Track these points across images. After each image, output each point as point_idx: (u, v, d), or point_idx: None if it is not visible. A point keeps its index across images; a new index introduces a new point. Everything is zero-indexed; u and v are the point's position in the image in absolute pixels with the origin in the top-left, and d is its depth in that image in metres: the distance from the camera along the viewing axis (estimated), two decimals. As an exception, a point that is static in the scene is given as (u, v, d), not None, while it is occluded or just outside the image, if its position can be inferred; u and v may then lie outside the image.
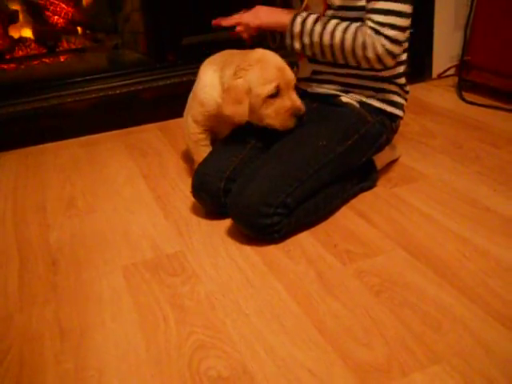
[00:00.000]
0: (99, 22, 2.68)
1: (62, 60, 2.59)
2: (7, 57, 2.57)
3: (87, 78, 2.50)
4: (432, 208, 1.64)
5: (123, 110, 2.55)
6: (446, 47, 2.68)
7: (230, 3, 2.33)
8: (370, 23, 1.50)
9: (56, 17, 2.57)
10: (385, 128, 1.71)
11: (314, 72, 1.74)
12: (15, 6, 2.54)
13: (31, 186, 2.08)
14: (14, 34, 2.60)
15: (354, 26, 1.53)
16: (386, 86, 1.68)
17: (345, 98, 1.72)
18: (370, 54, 1.51)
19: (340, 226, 1.61)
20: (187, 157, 2.13)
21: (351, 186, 1.73)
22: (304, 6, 1.70)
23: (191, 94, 1.86)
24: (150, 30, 2.56)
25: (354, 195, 1.76)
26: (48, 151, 2.40)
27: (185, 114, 1.91)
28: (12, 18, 2.54)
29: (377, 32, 1.49)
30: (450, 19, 2.63)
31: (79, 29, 2.71)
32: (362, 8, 1.55)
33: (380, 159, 1.83)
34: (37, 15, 2.58)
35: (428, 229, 1.54)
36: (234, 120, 1.62)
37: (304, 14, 1.61)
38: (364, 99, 1.70)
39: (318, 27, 1.57)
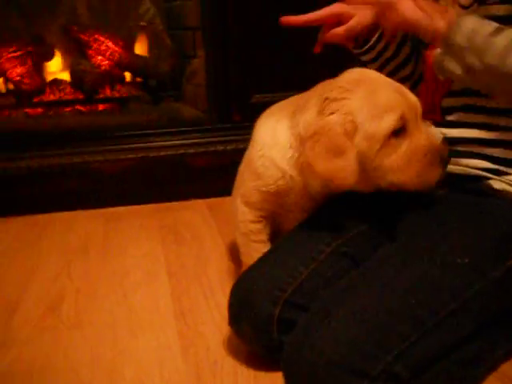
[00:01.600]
0: (152, 68, 2.15)
1: (100, 109, 2.07)
2: (35, 100, 2.08)
3: (125, 133, 1.94)
4: None
5: (166, 177, 1.96)
6: None
7: (309, 57, 1.88)
8: None
9: (100, 57, 2.08)
10: None
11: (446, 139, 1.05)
12: (51, 39, 2.07)
13: (14, 271, 1.49)
14: (47, 73, 2.12)
15: None
16: None
17: (498, 184, 1.01)
18: None
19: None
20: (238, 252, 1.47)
21: (507, 339, 0.99)
22: None
23: (242, 165, 1.23)
24: (214, 83, 1.99)
25: (509, 355, 1.01)
26: (60, 222, 1.82)
27: (233, 193, 1.27)
28: (45, 54, 2.07)
29: None
30: None
31: (127, 75, 2.19)
32: None
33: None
34: (77, 53, 2.09)
35: None
36: (332, 185, 0.98)
37: (471, 18, 0.92)
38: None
39: (501, 40, 0.89)
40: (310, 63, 1.97)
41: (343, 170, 0.92)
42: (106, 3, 2.17)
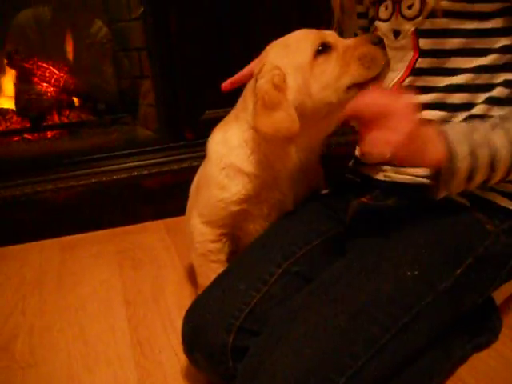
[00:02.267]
0: (99, 92, 2.13)
1: (48, 137, 2.02)
2: (-20, 131, 2.03)
3: (76, 159, 1.90)
4: None
5: (121, 201, 1.93)
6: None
7: None
8: None
9: (45, 84, 2.04)
10: (516, 242, 1.00)
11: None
12: (-7, 69, 2.03)
13: (-34, 312, 1.43)
14: (-8, 103, 2.08)
15: None
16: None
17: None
18: None
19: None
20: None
21: (460, 346, 1.00)
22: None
23: (193, 186, 1.22)
24: (163, 102, 1.98)
25: (464, 360, 1.02)
26: (13, 255, 1.77)
27: (187, 214, 1.26)
28: (-12, 84, 2.03)
29: None
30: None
31: (76, 100, 2.16)
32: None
33: (500, 290, 1.09)
34: (21, 82, 2.05)
35: None
36: (280, 140, 1.00)
37: (459, 128, 0.89)
38: (480, 193, 0.99)
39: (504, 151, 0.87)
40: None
41: (284, 120, 0.95)
42: (55, 25, 2.14)
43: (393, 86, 1.03)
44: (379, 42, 0.96)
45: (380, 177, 1.08)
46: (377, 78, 0.96)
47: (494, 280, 1.00)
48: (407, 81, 1.01)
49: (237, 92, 1.96)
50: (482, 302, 1.01)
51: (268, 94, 0.96)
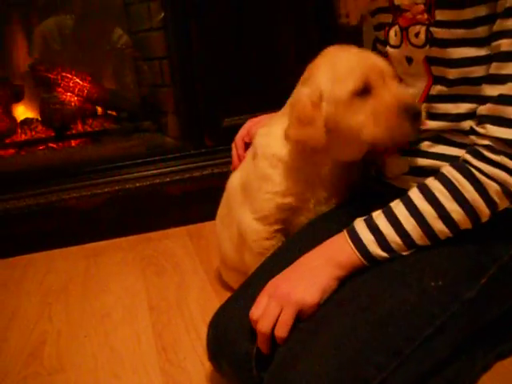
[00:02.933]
0: (121, 100, 2.16)
1: (72, 145, 2.06)
2: (7, 141, 2.07)
3: (99, 167, 1.94)
4: None
5: (144, 208, 1.96)
6: None
7: (275, 78, 1.98)
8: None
9: (69, 94, 2.08)
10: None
11: (413, 169, 1.04)
12: (19, 81, 2.07)
13: (-6, 319, 1.47)
14: (18, 114, 2.12)
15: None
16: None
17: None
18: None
19: None
20: (220, 279, 1.47)
21: (484, 354, 0.99)
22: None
23: (234, 186, 1.24)
24: (184, 110, 2.00)
25: (487, 368, 1.01)
26: (39, 262, 1.81)
27: (218, 218, 1.27)
28: (15, 95, 2.07)
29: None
30: None
31: (99, 108, 2.20)
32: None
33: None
34: (45, 92, 2.10)
35: None
36: (310, 147, 1.04)
37: (370, 223, 0.92)
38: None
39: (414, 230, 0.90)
40: (277, 83, 2.00)
41: (312, 136, 1.01)
42: (78, 35, 2.18)
43: None
44: (416, 116, 0.94)
45: (404, 186, 1.07)
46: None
47: (517, 288, 0.99)
48: (423, 107, 0.99)
49: (255, 100, 1.99)
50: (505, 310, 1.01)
51: (304, 109, 1.00)
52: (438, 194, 0.88)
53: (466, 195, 0.86)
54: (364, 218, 0.94)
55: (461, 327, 0.90)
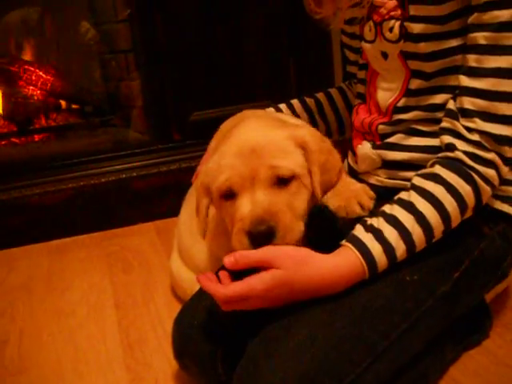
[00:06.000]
0: (87, 94, 2.11)
1: (35, 140, 2.01)
2: (-33, 136, 2.01)
3: (63, 163, 1.90)
4: None
5: (110, 204, 1.92)
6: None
7: (243, 71, 1.97)
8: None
9: (31, 87, 2.02)
10: (509, 244, 1.00)
11: (387, 163, 1.04)
12: (-21, 74, 2.01)
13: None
14: (-22, 108, 2.06)
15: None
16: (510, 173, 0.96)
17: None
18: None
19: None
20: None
21: (453, 347, 1.01)
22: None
23: None
24: (151, 104, 1.97)
25: (455, 359, 1.02)
26: (2, 261, 1.76)
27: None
28: (-25, 89, 2.01)
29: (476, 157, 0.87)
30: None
31: (63, 103, 2.14)
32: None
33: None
34: (7, 85, 2.03)
35: None
36: None
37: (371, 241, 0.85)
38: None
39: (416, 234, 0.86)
40: (245, 78, 1.99)
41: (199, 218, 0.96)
42: (41, 28, 2.12)
43: (388, 106, 1.02)
44: (256, 238, 0.83)
45: (372, 181, 1.07)
46: None
47: (488, 282, 1.00)
48: (402, 101, 0.99)
49: (224, 93, 1.98)
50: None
51: (198, 189, 0.96)
52: (441, 198, 0.86)
53: (466, 198, 0.87)
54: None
55: (434, 321, 0.91)
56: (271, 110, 1.24)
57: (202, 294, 1.00)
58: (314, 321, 0.83)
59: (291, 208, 0.86)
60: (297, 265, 0.81)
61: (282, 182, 0.86)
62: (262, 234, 0.82)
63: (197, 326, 0.93)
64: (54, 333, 1.30)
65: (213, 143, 1.15)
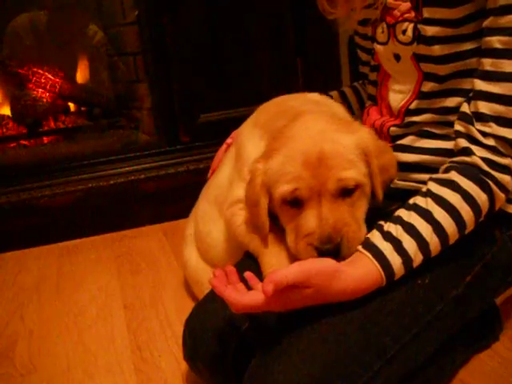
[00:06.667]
0: (95, 97, 2.13)
1: (44, 142, 2.02)
2: (-23, 138, 2.03)
3: (72, 165, 1.91)
4: None
5: (118, 206, 1.93)
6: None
7: (251, 73, 1.98)
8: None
9: (40, 90, 2.04)
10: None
11: (399, 165, 1.00)
12: (-12, 76, 2.03)
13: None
14: (-13, 110, 2.08)
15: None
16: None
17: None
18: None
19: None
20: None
21: (463, 350, 1.00)
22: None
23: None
24: (159, 106, 1.98)
25: (465, 362, 1.02)
26: (12, 262, 1.77)
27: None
28: (-15, 92, 2.03)
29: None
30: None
31: (71, 105, 2.16)
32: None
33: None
34: (17, 88, 2.05)
35: None
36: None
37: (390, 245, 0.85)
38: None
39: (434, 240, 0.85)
40: (253, 79, 1.99)
41: (251, 219, 0.97)
42: (50, 31, 2.14)
43: (400, 108, 1.01)
44: (325, 253, 0.84)
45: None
46: None
47: (500, 286, 1.00)
48: (414, 104, 0.99)
49: (231, 95, 1.98)
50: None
51: (255, 190, 0.93)
52: (458, 207, 0.85)
53: (481, 207, 0.86)
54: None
55: (445, 325, 0.90)
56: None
57: (214, 294, 0.99)
58: (325, 324, 0.83)
59: (354, 218, 0.87)
60: (327, 281, 0.80)
61: (346, 193, 0.87)
62: (330, 252, 0.84)
63: (209, 328, 0.93)
64: (63, 333, 1.31)
65: (245, 129, 1.13)
